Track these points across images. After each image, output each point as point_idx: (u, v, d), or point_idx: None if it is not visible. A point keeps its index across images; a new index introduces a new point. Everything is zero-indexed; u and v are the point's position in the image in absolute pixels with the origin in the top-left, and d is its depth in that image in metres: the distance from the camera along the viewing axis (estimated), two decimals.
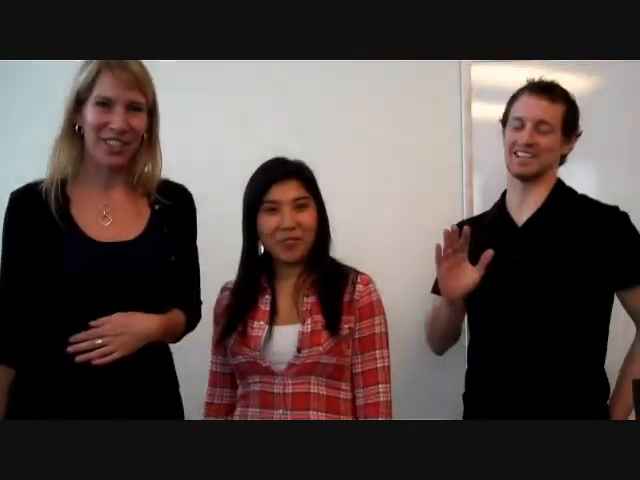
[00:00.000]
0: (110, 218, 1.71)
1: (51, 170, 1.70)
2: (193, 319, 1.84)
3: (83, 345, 1.61)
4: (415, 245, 2.41)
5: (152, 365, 1.70)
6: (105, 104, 1.64)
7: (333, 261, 1.85)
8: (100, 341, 1.61)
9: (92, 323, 1.62)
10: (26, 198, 1.70)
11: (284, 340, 1.74)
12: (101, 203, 1.72)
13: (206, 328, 1.89)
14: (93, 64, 1.65)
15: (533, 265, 1.96)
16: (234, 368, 1.83)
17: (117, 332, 1.62)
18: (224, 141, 2.56)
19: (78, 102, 1.67)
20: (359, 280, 1.81)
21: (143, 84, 1.67)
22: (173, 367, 1.81)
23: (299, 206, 1.78)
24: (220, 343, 1.85)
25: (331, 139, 2.52)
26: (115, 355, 1.61)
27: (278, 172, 1.79)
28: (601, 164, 2.52)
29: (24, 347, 1.66)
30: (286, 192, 1.77)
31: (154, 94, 1.73)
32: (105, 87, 1.64)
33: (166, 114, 1.78)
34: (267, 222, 1.78)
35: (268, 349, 1.74)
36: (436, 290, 2.03)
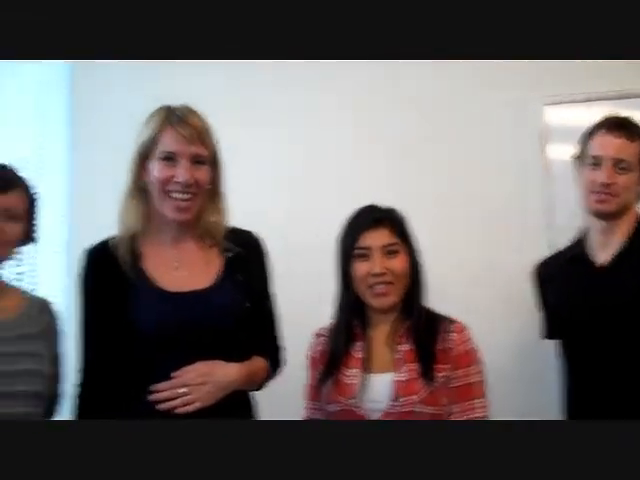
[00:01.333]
0: (182, 269, 1.72)
1: (121, 226, 1.73)
2: (275, 365, 1.83)
3: (165, 394, 1.60)
4: (500, 290, 2.39)
5: (234, 414, 1.67)
6: (169, 159, 1.67)
7: (427, 309, 1.84)
8: (182, 390, 1.60)
9: (174, 374, 1.61)
10: (100, 254, 1.73)
11: (379, 388, 1.73)
12: (172, 256, 1.73)
13: None
14: (155, 121, 1.70)
15: (615, 305, 1.92)
16: (330, 415, 1.82)
17: (199, 381, 1.61)
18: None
19: (143, 158, 1.71)
20: (453, 328, 1.79)
21: (204, 137, 1.70)
22: (255, 416, 1.79)
23: (389, 252, 1.79)
24: (316, 389, 1.85)
25: (413, 184, 2.53)
26: (197, 404, 1.60)
27: (369, 219, 1.81)
28: None
29: (107, 402, 1.66)
30: (376, 239, 1.79)
31: (216, 146, 1.75)
32: (168, 142, 1.67)
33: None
34: (359, 268, 1.79)
35: (363, 397, 1.73)
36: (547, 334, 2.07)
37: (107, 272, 1.69)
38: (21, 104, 2.74)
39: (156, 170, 1.68)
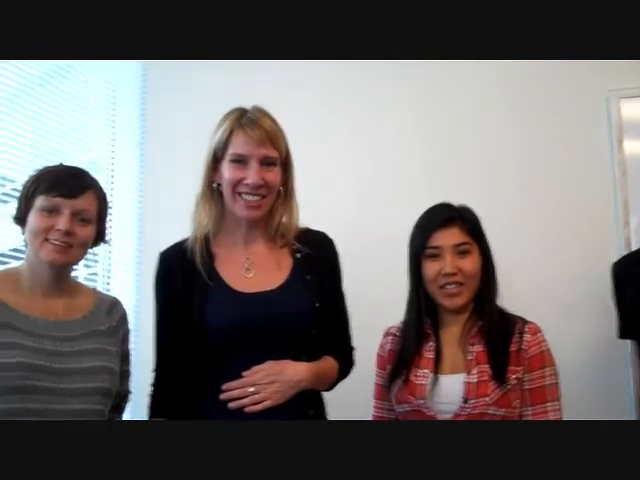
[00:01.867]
0: (253, 270, 1.74)
1: (194, 228, 1.76)
2: (346, 366, 1.82)
3: (235, 393, 1.62)
4: (576, 290, 2.33)
5: (304, 414, 1.68)
6: (240, 161, 1.69)
7: (500, 309, 1.80)
8: (252, 389, 1.62)
9: (244, 373, 1.63)
10: (174, 256, 1.76)
11: (449, 390, 1.70)
12: (243, 256, 1.75)
13: None
14: (226, 124, 1.71)
15: None
16: (399, 416, 1.81)
17: (269, 380, 1.62)
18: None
19: (215, 161, 1.73)
20: (527, 329, 1.75)
21: (275, 139, 1.71)
22: (325, 415, 1.78)
23: (461, 252, 1.76)
24: (385, 389, 1.84)
25: (487, 183, 2.49)
26: (267, 403, 1.61)
27: (439, 218, 1.79)
28: None
29: (180, 401, 1.70)
30: (448, 238, 1.76)
31: (287, 148, 1.76)
32: (239, 145, 1.69)
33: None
34: (430, 268, 1.77)
35: (433, 398, 1.71)
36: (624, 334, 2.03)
37: (181, 273, 1.72)
38: (94, 107, 2.80)
39: (227, 172, 1.70)
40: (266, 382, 1.62)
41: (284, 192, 1.77)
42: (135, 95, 3.01)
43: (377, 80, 2.68)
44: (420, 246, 1.78)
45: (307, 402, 1.69)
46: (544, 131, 2.54)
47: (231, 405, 1.62)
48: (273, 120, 1.73)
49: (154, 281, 1.77)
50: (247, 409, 1.61)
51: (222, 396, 1.62)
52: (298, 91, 2.74)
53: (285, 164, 1.76)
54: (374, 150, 2.66)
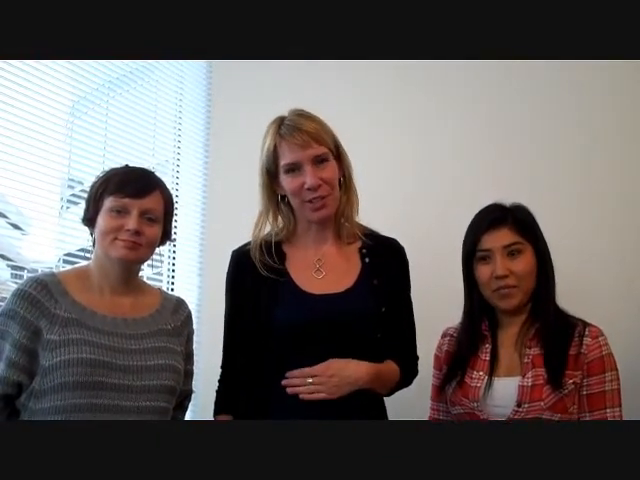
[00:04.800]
0: (323, 272, 1.78)
1: (255, 238, 1.80)
2: (409, 374, 1.83)
3: (295, 381, 1.67)
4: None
5: (365, 414, 1.69)
6: (294, 169, 1.72)
7: (559, 311, 1.76)
8: (311, 380, 1.66)
9: (308, 369, 1.67)
10: (246, 255, 1.80)
11: (504, 393, 1.68)
12: (314, 258, 1.79)
13: None
14: (268, 140, 1.75)
15: None
16: (454, 417, 1.80)
17: (328, 374, 1.66)
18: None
19: (271, 176, 1.77)
20: (587, 332, 1.70)
21: (319, 137, 1.72)
22: (385, 417, 1.80)
23: (512, 253, 1.74)
24: (441, 390, 1.83)
25: (550, 184, 2.45)
26: (320, 395, 1.64)
27: (488, 220, 1.77)
28: None
29: (245, 396, 1.75)
30: (497, 240, 1.74)
31: (335, 140, 1.78)
32: (287, 155, 1.72)
33: None
34: (481, 271, 1.76)
35: (487, 401, 1.69)
36: None
37: (252, 272, 1.76)
38: (161, 111, 2.87)
39: (286, 183, 1.74)
40: (326, 375, 1.65)
41: (344, 183, 1.80)
42: (201, 97, 3.07)
43: (433, 79, 2.66)
44: (470, 249, 1.77)
45: (369, 403, 1.71)
46: (607, 118, 2.45)
47: (289, 390, 1.66)
48: (312, 119, 1.76)
49: (226, 278, 1.83)
50: (302, 397, 1.65)
51: (283, 382, 1.67)
52: (350, 90, 2.75)
53: (338, 156, 1.78)
54: (431, 150, 2.64)
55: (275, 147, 1.74)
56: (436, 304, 2.15)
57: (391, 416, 1.80)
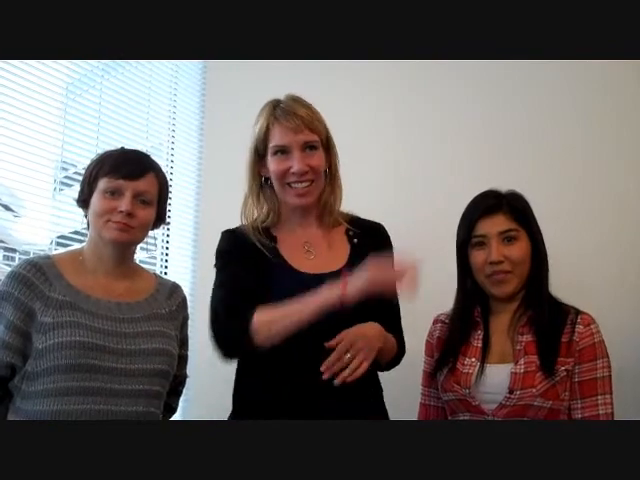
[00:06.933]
0: (313, 253, 1.78)
1: (244, 222, 1.80)
2: (401, 349, 1.81)
3: (336, 366, 1.59)
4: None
5: (365, 393, 1.69)
6: (282, 152, 1.72)
7: (552, 298, 1.77)
8: (349, 355, 1.59)
9: (328, 343, 1.60)
10: (237, 235, 1.79)
11: (495, 379, 1.69)
12: (302, 240, 1.79)
13: None
14: (262, 119, 1.75)
15: None
16: (445, 404, 1.81)
17: (360, 344, 1.60)
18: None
19: (260, 156, 1.77)
20: (579, 320, 1.71)
21: (312, 124, 1.73)
22: (382, 396, 1.79)
23: (507, 239, 1.74)
24: (432, 376, 1.84)
25: (537, 169, 2.46)
26: (365, 365, 1.59)
27: (484, 206, 1.77)
28: None
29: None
30: (492, 226, 1.75)
31: (326, 130, 1.78)
32: (278, 136, 1.73)
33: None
34: (476, 257, 1.77)
35: (478, 387, 1.70)
36: None
37: (244, 252, 1.75)
38: (156, 95, 2.85)
39: (272, 165, 1.74)
40: (358, 347, 1.60)
41: (329, 174, 1.81)
42: (196, 81, 3.05)
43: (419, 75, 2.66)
44: (465, 235, 1.78)
45: (367, 382, 1.68)
46: (605, 116, 2.45)
47: (336, 382, 1.59)
48: (307, 106, 1.76)
49: (216, 254, 1.79)
50: (350, 379, 1.58)
51: (324, 375, 1.59)
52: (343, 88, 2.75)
53: (327, 146, 1.78)
54: (421, 138, 2.65)
55: (267, 128, 1.74)
56: (428, 291, 2.16)
57: (389, 402, 1.79)
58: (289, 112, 1.72)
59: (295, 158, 1.71)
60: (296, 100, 1.77)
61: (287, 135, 1.72)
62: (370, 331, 1.65)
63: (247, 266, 1.72)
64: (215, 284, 1.74)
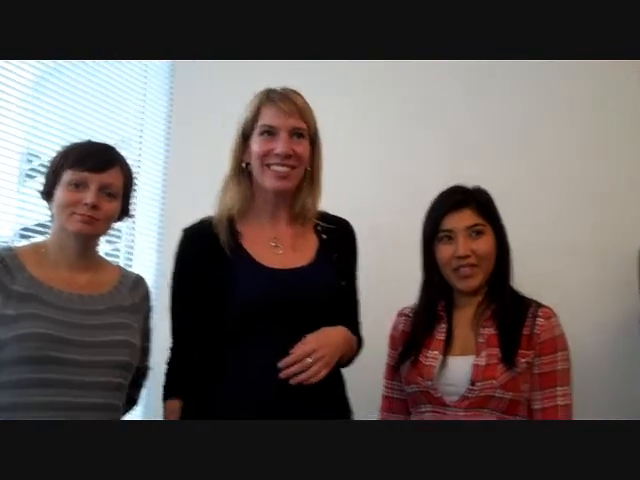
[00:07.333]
0: (281, 247, 1.77)
1: (221, 208, 1.78)
2: (360, 346, 1.83)
3: (294, 368, 1.61)
4: (598, 274, 2.34)
5: (329, 391, 1.69)
6: (269, 132, 1.72)
7: (514, 292, 1.80)
8: (310, 360, 1.61)
9: (292, 351, 1.62)
10: (197, 233, 1.78)
11: (458, 372, 1.71)
12: (270, 235, 1.78)
13: None
14: (256, 100, 1.75)
15: None
16: (407, 396, 1.83)
17: (322, 352, 1.62)
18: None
19: (244, 139, 1.76)
20: (540, 313, 1.74)
21: (304, 113, 1.74)
22: (346, 393, 1.79)
23: (474, 233, 1.76)
24: (395, 369, 1.85)
25: (516, 165, 2.49)
26: (324, 372, 1.62)
27: (451, 201, 1.79)
28: None
29: (195, 378, 1.71)
30: (460, 220, 1.77)
31: (316, 126, 1.78)
32: (268, 116, 1.72)
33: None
34: (443, 251, 1.78)
35: (441, 380, 1.72)
36: None
37: (205, 251, 1.73)
38: (125, 87, 2.82)
39: (256, 145, 1.73)
40: (321, 353, 1.62)
41: (311, 173, 1.79)
42: (165, 76, 3.03)
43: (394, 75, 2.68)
44: (432, 230, 1.79)
45: (332, 379, 1.69)
46: (583, 112, 2.49)
47: (293, 380, 1.60)
48: (303, 98, 1.77)
49: (175, 258, 1.78)
50: (306, 382, 1.60)
51: (281, 374, 1.61)
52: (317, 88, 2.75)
53: (313, 141, 1.78)
54: (385, 132, 2.67)
55: (259, 108, 1.74)
56: (392, 285, 2.18)
57: (354, 394, 1.80)
58: (285, 97, 1.73)
59: (281, 140, 1.70)
60: (294, 91, 1.77)
61: (278, 117, 1.71)
62: (335, 338, 1.67)
63: (201, 277, 1.71)
64: (170, 306, 1.78)
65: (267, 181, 1.73)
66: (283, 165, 1.71)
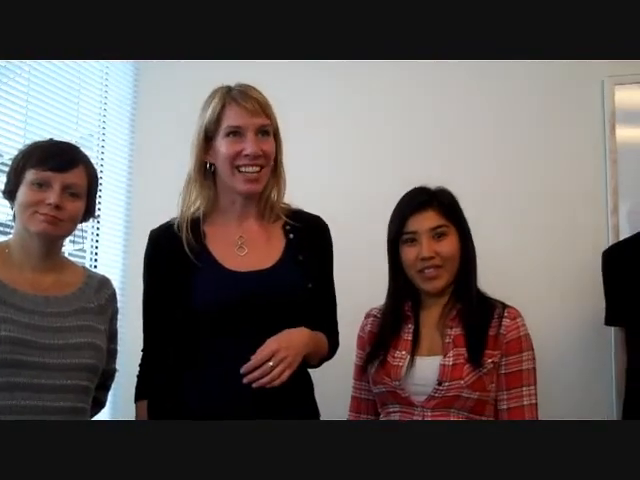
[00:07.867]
0: (246, 248, 1.74)
1: (183, 209, 1.76)
2: (333, 346, 1.83)
3: (257, 373, 1.59)
4: (560, 276, 2.36)
5: (294, 392, 1.67)
6: (236, 133, 1.69)
7: (480, 293, 1.81)
8: (272, 363, 1.59)
9: (253, 356, 1.60)
10: (163, 235, 1.77)
11: (425, 372, 1.72)
12: (236, 235, 1.75)
13: None
14: (216, 100, 1.72)
15: None
16: (375, 396, 1.83)
17: (281, 355, 1.60)
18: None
19: (207, 139, 1.73)
20: (506, 314, 1.76)
21: (267, 109, 1.73)
22: (312, 393, 1.79)
23: (438, 235, 1.77)
24: (363, 369, 1.86)
25: (474, 167, 2.51)
26: (287, 373, 1.59)
27: (415, 202, 1.80)
28: None
29: (167, 381, 1.70)
30: (423, 222, 1.77)
31: (276, 119, 1.77)
32: (233, 117, 1.69)
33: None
34: (407, 253, 1.79)
35: (408, 380, 1.73)
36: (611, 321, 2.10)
37: (170, 253, 1.72)
38: (86, 84, 2.79)
39: (223, 147, 1.70)
40: (282, 355, 1.60)
41: (274, 166, 1.77)
42: (127, 72, 3.01)
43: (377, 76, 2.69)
44: (397, 232, 1.80)
45: (297, 380, 1.68)
46: (536, 115, 2.54)
47: (255, 385, 1.58)
48: (261, 92, 1.75)
49: (143, 260, 1.78)
50: (270, 385, 1.58)
51: (244, 380, 1.59)
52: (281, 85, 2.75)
53: (275, 135, 1.77)
54: (356, 134, 2.69)
55: (222, 107, 1.70)
56: (361, 286, 2.19)
57: (321, 396, 1.80)
58: (246, 94, 1.70)
59: (249, 140, 1.68)
60: (250, 86, 1.75)
61: (243, 117, 1.68)
62: (296, 339, 1.65)
63: (166, 281, 1.71)
64: (143, 299, 1.78)
65: (238, 185, 1.71)
66: (253, 165, 1.69)
